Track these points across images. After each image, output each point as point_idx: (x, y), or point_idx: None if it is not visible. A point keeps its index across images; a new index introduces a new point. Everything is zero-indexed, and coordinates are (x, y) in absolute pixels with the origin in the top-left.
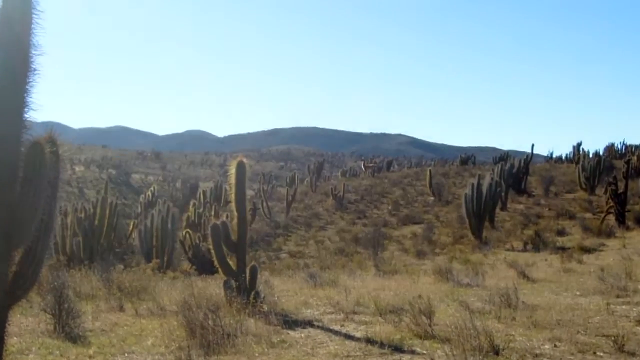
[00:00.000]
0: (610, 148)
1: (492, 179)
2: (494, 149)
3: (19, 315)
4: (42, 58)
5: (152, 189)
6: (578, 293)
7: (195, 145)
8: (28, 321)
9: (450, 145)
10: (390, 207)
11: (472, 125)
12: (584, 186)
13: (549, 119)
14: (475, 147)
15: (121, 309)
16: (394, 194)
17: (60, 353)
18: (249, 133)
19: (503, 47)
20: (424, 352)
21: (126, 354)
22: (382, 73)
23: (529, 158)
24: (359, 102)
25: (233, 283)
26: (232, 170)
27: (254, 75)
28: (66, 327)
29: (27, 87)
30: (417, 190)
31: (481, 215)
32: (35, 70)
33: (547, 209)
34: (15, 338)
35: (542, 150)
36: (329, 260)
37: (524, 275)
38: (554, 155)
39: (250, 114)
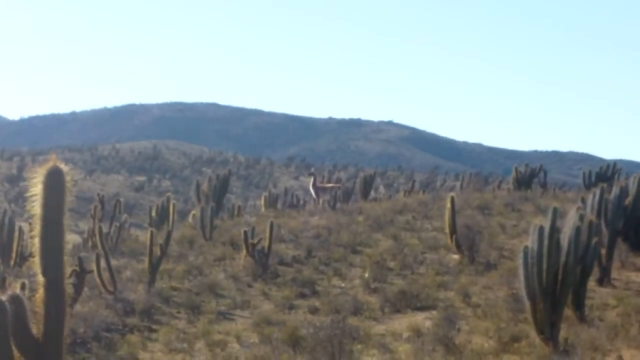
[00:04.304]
0: None
1: (581, 218)
2: (586, 157)
3: None
4: None
5: None
6: None
7: None
8: None
9: (493, 148)
10: (367, 275)
11: (535, 115)
12: None
13: None
14: (546, 153)
15: None
16: (376, 247)
17: None
18: (73, 113)
19: None
20: None
21: None
22: (361, 29)
23: None
24: (309, 74)
25: None
26: (38, 189)
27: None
28: None
29: None
30: (425, 240)
31: (557, 295)
32: None
33: None
34: None
35: None
36: None
37: None
38: None
39: (79, 79)
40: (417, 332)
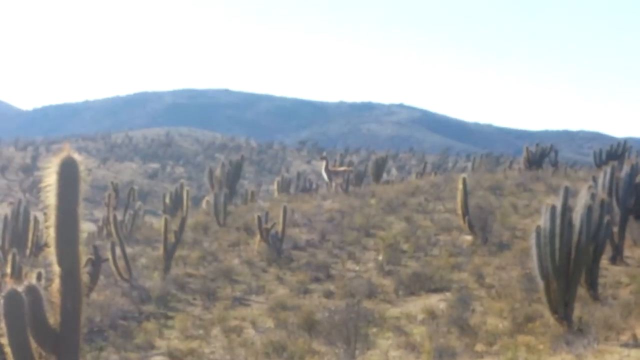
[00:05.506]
0: None
1: (592, 196)
2: (596, 136)
3: None
4: None
5: None
6: None
7: None
8: None
9: (504, 128)
10: (381, 258)
11: (545, 95)
12: None
13: None
14: (557, 132)
15: None
16: (389, 230)
17: None
18: (86, 102)
19: None
20: None
21: None
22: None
23: None
24: (320, 59)
25: None
26: (52, 179)
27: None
28: None
29: None
30: (438, 222)
31: (570, 274)
32: None
33: None
34: None
35: None
36: None
37: None
38: None
39: (92, 68)
40: (431, 314)
